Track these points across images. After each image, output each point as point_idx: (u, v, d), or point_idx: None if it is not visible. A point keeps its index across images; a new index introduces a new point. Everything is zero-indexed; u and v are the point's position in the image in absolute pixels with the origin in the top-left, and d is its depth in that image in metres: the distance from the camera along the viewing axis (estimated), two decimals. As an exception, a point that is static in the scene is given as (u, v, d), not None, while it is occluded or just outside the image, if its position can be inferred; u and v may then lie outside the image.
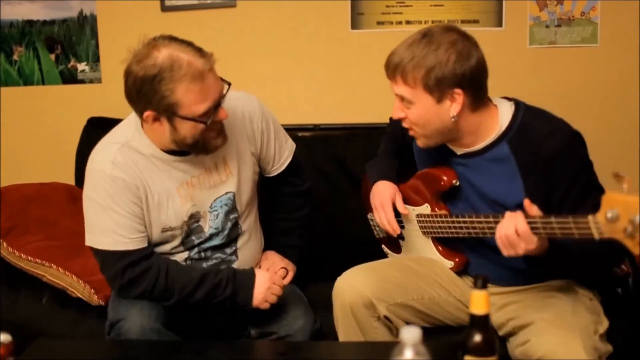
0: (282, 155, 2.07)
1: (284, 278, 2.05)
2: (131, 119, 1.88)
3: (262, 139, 1.98)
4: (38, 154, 2.95)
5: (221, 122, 1.80)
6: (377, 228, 2.14)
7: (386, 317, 1.82)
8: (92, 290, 2.11)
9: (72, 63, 2.88)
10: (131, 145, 1.83)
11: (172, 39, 1.72)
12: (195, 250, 1.95)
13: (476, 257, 1.88)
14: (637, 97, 2.67)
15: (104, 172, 1.80)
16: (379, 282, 1.83)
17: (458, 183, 1.81)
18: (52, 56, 2.89)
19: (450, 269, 1.92)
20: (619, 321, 2.00)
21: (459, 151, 1.80)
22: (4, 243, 2.24)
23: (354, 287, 1.82)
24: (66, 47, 2.87)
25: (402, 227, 2.00)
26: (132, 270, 1.83)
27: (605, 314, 1.88)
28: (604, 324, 1.75)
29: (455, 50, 1.64)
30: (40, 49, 2.88)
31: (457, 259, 1.91)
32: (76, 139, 2.49)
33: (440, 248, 1.94)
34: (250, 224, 2.03)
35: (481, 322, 1.26)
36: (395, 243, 2.11)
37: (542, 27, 2.68)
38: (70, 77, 2.89)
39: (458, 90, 1.66)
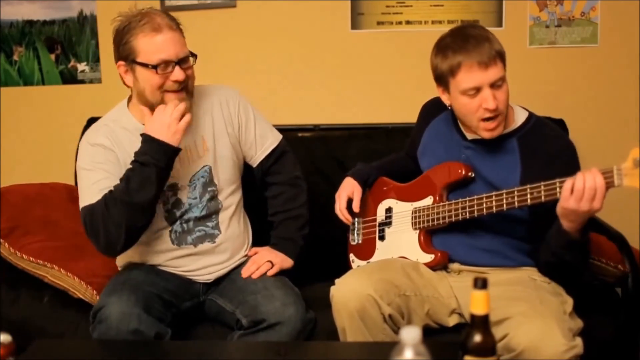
0: (264, 140, 2.16)
1: (268, 271, 2.07)
2: (119, 105, 2.08)
3: (240, 120, 2.12)
4: (38, 154, 2.95)
5: (181, 87, 1.93)
6: (356, 234, 2.20)
7: (390, 317, 1.81)
8: (94, 292, 2.11)
9: (72, 63, 2.89)
10: (117, 121, 2.03)
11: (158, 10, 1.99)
12: (178, 222, 2.05)
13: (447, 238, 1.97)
14: (637, 97, 2.67)
15: (87, 142, 2.02)
16: (378, 282, 1.83)
17: (473, 175, 1.93)
18: (52, 56, 2.89)
19: (428, 263, 1.97)
20: (618, 320, 2.01)
21: (470, 136, 1.94)
22: (6, 243, 2.24)
23: (355, 290, 1.81)
24: (66, 47, 2.87)
25: (386, 226, 2.10)
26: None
27: (605, 313, 1.94)
28: (570, 302, 1.84)
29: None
30: (40, 49, 2.88)
31: (438, 254, 1.97)
32: (76, 139, 2.48)
33: (423, 242, 1.99)
34: (232, 203, 2.11)
35: (481, 322, 1.27)
36: (365, 249, 2.15)
37: (542, 27, 2.68)
38: (70, 77, 2.90)
39: None
